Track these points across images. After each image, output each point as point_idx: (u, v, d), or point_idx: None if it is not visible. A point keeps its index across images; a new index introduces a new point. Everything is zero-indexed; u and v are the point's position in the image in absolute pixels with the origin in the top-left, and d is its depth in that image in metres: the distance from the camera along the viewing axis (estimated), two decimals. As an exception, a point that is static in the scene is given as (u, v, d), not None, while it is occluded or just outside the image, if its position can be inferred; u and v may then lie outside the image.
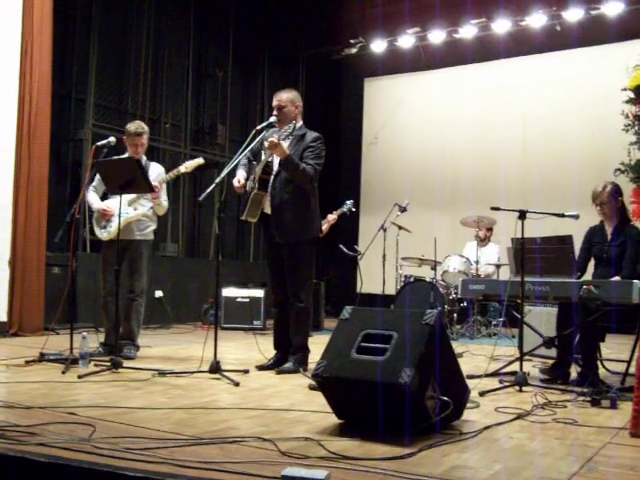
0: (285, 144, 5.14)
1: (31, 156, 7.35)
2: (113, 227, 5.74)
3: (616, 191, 5.21)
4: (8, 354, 5.70)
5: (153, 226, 6.13)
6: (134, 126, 6.02)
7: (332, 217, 7.75)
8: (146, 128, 6.09)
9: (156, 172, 6.11)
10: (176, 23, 10.45)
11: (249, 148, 5.20)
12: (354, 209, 8.18)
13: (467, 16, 10.98)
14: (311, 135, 5.33)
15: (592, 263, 5.44)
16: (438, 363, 3.29)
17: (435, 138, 11.62)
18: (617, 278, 4.89)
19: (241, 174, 5.35)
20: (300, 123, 5.40)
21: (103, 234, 5.91)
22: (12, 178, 7.26)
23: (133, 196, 5.85)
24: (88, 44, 9.04)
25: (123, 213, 5.63)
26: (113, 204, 5.79)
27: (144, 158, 6.07)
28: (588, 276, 5.35)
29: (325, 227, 7.42)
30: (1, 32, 7.24)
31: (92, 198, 6.01)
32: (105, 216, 5.89)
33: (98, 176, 5.97)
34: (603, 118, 10.11)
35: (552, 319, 5.47)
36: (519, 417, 3.73)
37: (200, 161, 6.07)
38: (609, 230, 5.29)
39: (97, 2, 9.09)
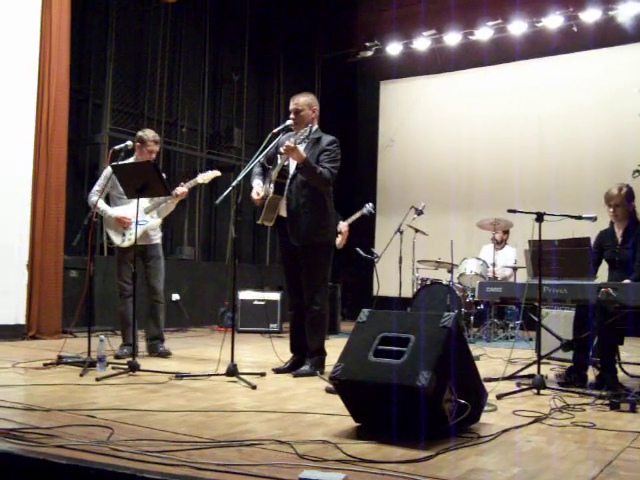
0: (300, 147, 5.14)
1: (49, 160, 7.41)
2: (134, 234, 5.84)
3: (630, 194, 5.21)
4: (26, 357, 5.74)
5: (161, 232, 6.39)
6: (152, 133, 6.16)
7: (343, 226, 7.63)
8: None
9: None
10: (192, 28, 10.50)
11: (265, 151, 5.21)
12: (373, 211, 8.19)
13: (483, 18, 10.94)
14: (327, 139, 5.32)
15: (606, 267, 5.41)
16: (455, 366, 3.28)
17: (451, 140, 11.58)
18: (627, 281, 4.85)
19: (257, 184, 5.35)
20: (316, 127, 5.40)
21: (124, 242, 6.02)
22: (30, 182, 7.33)
23: (148, 205, 6.05)
24: (105, 49, 9.10)
25: (142, 221, 5.83)
26: (128, 212, 5.94)
27: None
28: (603, 280, 5.31)
29: (339, 241, 7.33)
30: (20, 37, 7.31)
31: (103, 205, 6.07)
32: (123, 224, 5.99)
33: (101, 180, 6.06)
34: (620, 119, 10.06)
35: (570, 322, 5.43)
36: (537, 420, 3.71)
37: (217, 173, 6.15)
38: (619, 233, 5.28)
39: (114, 7, 9.15)
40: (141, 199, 5.82)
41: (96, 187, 6.08)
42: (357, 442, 3.14)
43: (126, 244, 6.00)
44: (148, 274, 6.16)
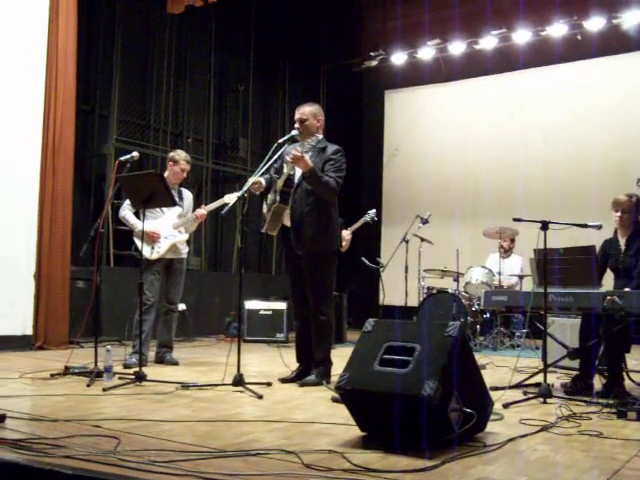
0: (306, 157, 5.15)
1: (56, 171, 7.44)
2: (162, 248, 6.24)
3: (639, 204, 5.21)
4: (33, 367, 5.75)
5: (188, 248, 6.65)
6: (184, 153, 6.51)
7: (347, 234, 7.58)
8: None
9: (190, 197, 6.65)
10: (198, 38, 10.55)
11: (271, 161, 5.23)
12: (376, 218, 8.18)
13: (487, 27, 10.97)
14: (332, 148, 5.34)
15: (612, 276, 5.41)
16: (461, 375, 3.28)
17: (456, 149, 11.60)
18: (626, 289, 4.85)
19: (259, 179, 5.37)
20: (321, 136, 5.41)
21: (153, 254, 6.24)
22: (37, 193, 7.35)
23: (177, 221, 6.33)
24: (111, 60, 9.15)
25: (170, 236, 6.25)
26: (158, 227, 6.23)
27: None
28: (608, 288, 5.31)
29: (344, 244, 7.34)
30: (27, 49, 7.35)
31: (133, 220, 6.29)
32: (152, 238, 6.21)
33: None
34: (625, 127, 10.07)
35: (576, 330, 5.43)
36: (543, 429, 3.70)
37: (238, 194, 6.20)
38: (622, 241, 5.29)
39: (120, 19, 9.21)
40: (169, 215, 6.35)
41: (127, 201, 6.26)
42: (363, 451, 3.14)
43: (154, 256, 6.24)
44: (169, 286, 6.43)
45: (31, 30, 7.38)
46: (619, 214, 5.25)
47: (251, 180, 5.21)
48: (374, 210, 8.17)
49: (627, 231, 5.28)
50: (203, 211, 6.38)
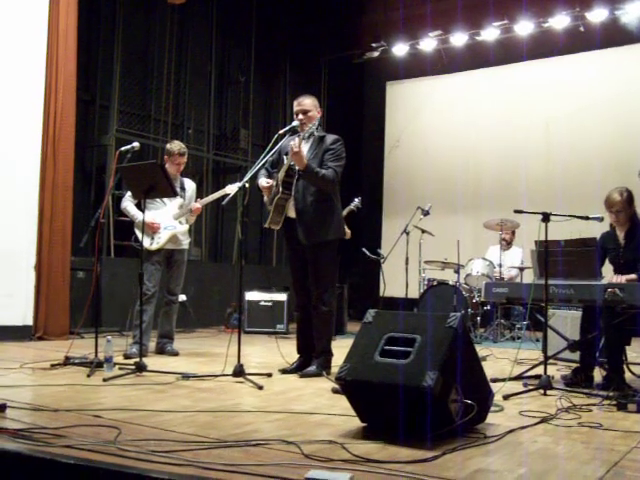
0: (305, 147, 5.15)
1: (56, 162, 7.44)
2: (162, 238, 6.23)
3: (630, 198, 5.17)
4: (34, 357, 5.76)
5: (189, 238, 6.63)
6: (177, 146, 6.38)
7: None
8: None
9: (192, 188, 6.61)
10: (199, 29, 10.53)
11: (272, 152, 5.22)
12: (360, 206, 8.15)
13: (489, 18, 10.93)
14: (330, 137, 5.33)
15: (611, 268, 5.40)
16: (461, 366, 3.28)
17: (457, 141, 11.58)
18: (632, 276, 4.84)
19: (264, 179, 5.38)
20: (317, 123, 5.40)
21: (152, 244, 6.23)
22: (38, 184, 7.35)
23: (177, 212, 6.33)
24: (112, 51, 9.14)
25: (170, 226, 6.25)
26: (158, 217, 6.24)
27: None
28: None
29: None
30: (27, 39, 7.34)
31: (134, 211, 6.29)
32: (152, 229, 6.21)
33: None
34: (628, 119, 10.05)
35: (576, 322, 5.43)
36: (543, 421, 3.70)
37: (239, 184, 6.18)
38: (621, 235, 5.26)
39: (121, 9, 9.19)
40: (170, 206, 6.34)
41: (129, 193, 6.27)
42: (363, 442, 3.14)
43: (154, 247, 6.23)
44: (170, 277, 6.45)
45: (31, 20, 7.36)
46: (614, 215, 5.22)
47: (251, 172, 5.19)
48: (359, 198, 8.13)
49: (625, 226, 5.25)
50: (198, 205, 6.39)
